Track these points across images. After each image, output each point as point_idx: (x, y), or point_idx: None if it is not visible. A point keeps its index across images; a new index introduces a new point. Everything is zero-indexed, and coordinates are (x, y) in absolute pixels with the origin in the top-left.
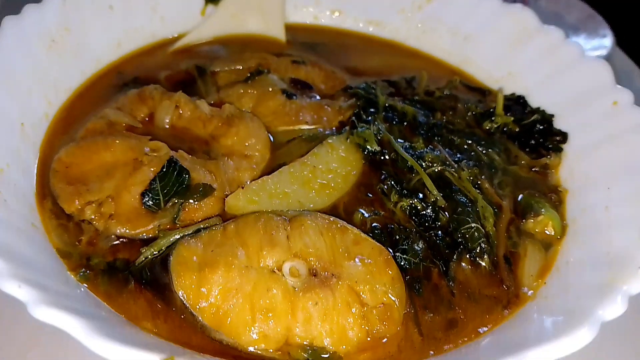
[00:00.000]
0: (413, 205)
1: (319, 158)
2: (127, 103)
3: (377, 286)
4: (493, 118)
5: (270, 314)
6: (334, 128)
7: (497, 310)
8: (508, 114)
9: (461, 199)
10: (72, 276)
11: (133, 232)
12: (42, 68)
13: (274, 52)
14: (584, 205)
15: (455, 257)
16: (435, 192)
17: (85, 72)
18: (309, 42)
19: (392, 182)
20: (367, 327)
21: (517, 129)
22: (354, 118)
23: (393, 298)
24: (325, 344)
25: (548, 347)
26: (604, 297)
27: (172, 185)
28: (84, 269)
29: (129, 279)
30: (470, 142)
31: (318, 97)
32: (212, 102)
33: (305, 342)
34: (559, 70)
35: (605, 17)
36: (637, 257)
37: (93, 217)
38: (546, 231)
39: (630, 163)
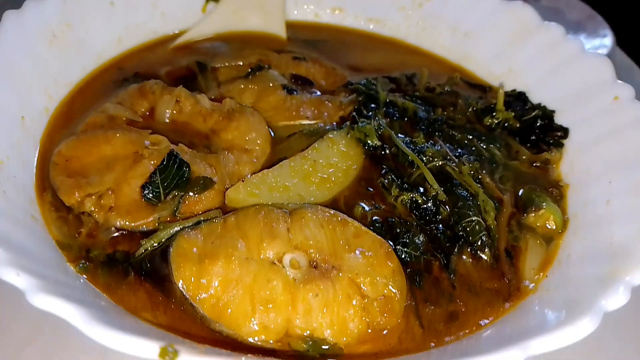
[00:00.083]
0: (414, 199)
1: (319, 152)
2: (127, 97)
3: (378, 278)
4: (494, 114)
5: (271, 305)
6: (334, 123)
7: (498, 302)
8: (509, 110)
9: (462, 193)
10: (72, 268)
11: (133, 224)
12: (42, 62)
13: (275, 49)
14: (585, 200)
15: (456, 250)
16: (436, 186)
17: (86, 67)
18: (309, 39)
19: (393, 176)
20: (367, 319)
21: (517, 125)
22: (354, 113)
23: (394, 290)
24: (326, 335)
25: (550, 337)
26: (606, 287)
27: (172, 178)
28: (83, 261)
29: (129, 270)
30: (471, 137)
31: (319, 93)
32: (212, 97)
33: (305, 334)
34: (560, 66)
35: (605, 17)
36: None
37: (93, 209)
38: (547, 225)
39: (632, 157)
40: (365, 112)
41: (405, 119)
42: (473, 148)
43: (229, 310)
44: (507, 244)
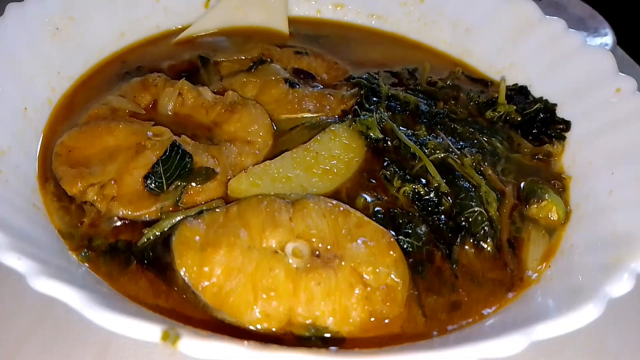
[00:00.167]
0: (416, 190)
1: (321, 145)
2: (130, 90)
3: (380, 268)
4: (495, 107)
5: (273, 294)
6: (336, 116)
7: (501, 292)
8: (510, 104)
9: (464, 185)
10: (74, 256)
11: (135, 214)
12: (45, 55)
13: (277, 43)
14: (588, 191)
15: (458, 240)
16: (438, 177)
17: (89, 60)
18: (311, 34)
19: (395, 168)
20: (370, 308)
21: (519, 118)
22: (356, 106)
23: (396, 280)
24: (328, 323)
25: (554, 322)
26: (611, 274)
27: (174, 168)
28: (85, 250)
29: (131, 259)
30: (472, 130)
31: (321, 87)
32: (215, 90)
33: (307, 322)
34: (561, 59)
35: (605, 16)
36: None
37: (95, 198)
38: (550, 216)
39: (635, 148)
40: (367, 105)
41: (407, 112)
42: (475, 141)
43: (231, 298)
44: (510, 235)
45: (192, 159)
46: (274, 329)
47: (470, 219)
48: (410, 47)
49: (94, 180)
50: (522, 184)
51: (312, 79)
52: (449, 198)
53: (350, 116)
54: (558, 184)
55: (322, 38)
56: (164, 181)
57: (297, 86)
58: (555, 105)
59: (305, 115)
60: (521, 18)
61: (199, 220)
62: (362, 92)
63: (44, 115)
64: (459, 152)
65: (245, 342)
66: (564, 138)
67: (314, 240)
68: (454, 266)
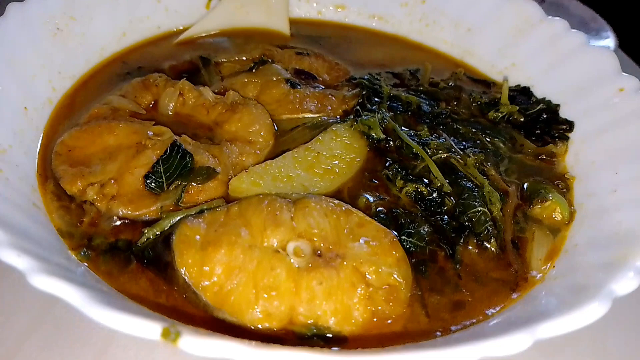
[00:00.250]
0: (418, 190)
1: (323, 144)
2: (131, 90)
3: (383, 267)
4: (498, 107)
5: (274, 293)
6: (338, 116)
7: (505, 292)
8: (513, 104)
9: (467, 185)
10: (73, 255)
11: (135, 213)
12: (46, 55)
13: (278, 44)
14: (591, 190)
15: (461, 240)
16: (440, 177)
17: (90, 60)
18: (313, 35)
19: (397, 168)
20: (372, 308)
21: (522, 119)
22: (358, 107)
23: (399, 279)
24: (330, 323)
25: (559, 321)
26: (616, 272)
27: (175, 168)
28: (85, 249)
29: (131, 258)
30: (475, 130)
31: (322, 87)
32: (216, 90)
33: (309, 322)
34: (563, 59)
35: (607, 19)
36: None
37: (95, 197)
38: (554, 216)
39: (638, 146)
40: (368, 105)
41: (409, 112)
42: (477, 141)
43: (232, 297)
44: (513, 234)
45: (193, 158)
46: (275, 329)
47: (473, 219)
48: (411, 47)
49: (94, 180)
50: (525, 184)
51: (314, 79)
52: (451, 198)
53: (352, 116)
54: (562, 184)
55: (323, 39)
56: (164, 180)
57: (299, 86)
58: (558, 105)
59: (306, 116)
60: (522, 18)
61: (200, 219)
62: (363, 92)
63: (44, 115)
64: (461, 152)
65: (246, 341)
66: (567, 138)
67: (315, 239)
68: (457, 266)
